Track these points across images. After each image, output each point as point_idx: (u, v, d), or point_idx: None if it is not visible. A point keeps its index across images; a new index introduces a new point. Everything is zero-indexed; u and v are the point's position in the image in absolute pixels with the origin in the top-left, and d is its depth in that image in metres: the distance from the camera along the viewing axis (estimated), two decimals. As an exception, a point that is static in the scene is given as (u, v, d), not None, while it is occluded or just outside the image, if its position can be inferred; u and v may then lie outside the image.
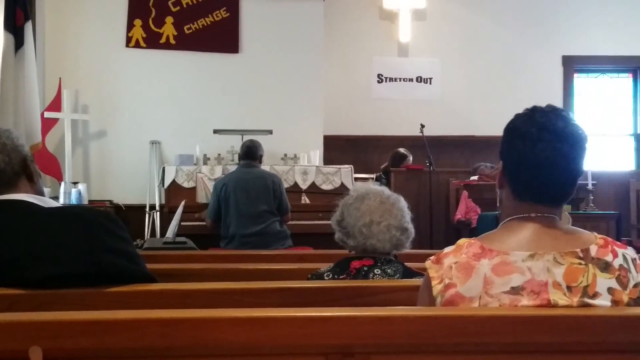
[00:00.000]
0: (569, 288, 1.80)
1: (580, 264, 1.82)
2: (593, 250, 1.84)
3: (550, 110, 1.94)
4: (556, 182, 1.90)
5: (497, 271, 1.83)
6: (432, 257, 1.96)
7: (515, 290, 1.81)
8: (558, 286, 1.80)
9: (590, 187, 7.19)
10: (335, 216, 2.90)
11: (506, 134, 1.97)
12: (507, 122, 1.98)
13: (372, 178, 8.47)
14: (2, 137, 2.39)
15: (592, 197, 7.31)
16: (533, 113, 1.94)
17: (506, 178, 1.99)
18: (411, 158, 8.64)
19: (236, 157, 7.52)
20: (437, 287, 1.89)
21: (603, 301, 1.80)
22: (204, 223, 6.48)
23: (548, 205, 1.92)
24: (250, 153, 6.30)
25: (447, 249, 1.95)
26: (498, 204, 2.08)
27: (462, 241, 1.94)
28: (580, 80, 10.46)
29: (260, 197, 6.09)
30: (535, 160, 1.87)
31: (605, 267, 1.83)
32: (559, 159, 1.87)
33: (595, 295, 1.80)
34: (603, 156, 9.98)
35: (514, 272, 1.82)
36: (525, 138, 1.89)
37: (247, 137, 6.82)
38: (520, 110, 1.98)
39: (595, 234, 1.91)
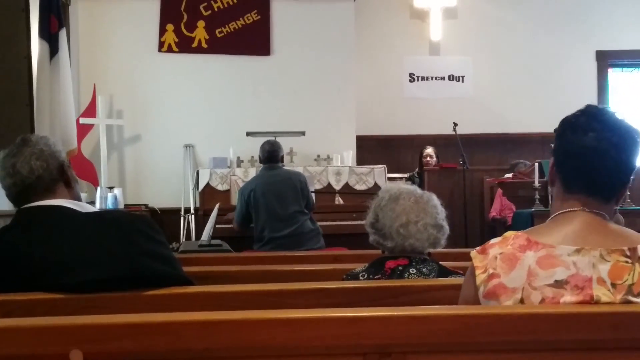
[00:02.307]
0: (613, 285, 1.78)
1: (626, 262, 1.80)
2: None
3: (602, 106, 1.95)
4: (606, 172, 1.87)
5: (541, 264, 1.81)
6: (477, 248, 1.96)
7: (559, 284, 1.79)
8: (602, 282, 1.78)
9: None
10: (369, 218, 2.89)
11: (558, 128, 1.97)
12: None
13: (405, 178, 8.46)
14: (39, 143, 2.42)
15: (629, 193, 7.20)
16: (585, 108, 1.95)
17: (556, 171, 1.98)
18: (429, 150, 8.80)
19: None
20: (480, 277, 1.89)
21: None
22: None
23: (598, 198, 1.90)
24: (273, 157, 6.27)
25: (493, 240, 1.95)
26: (551, 202, 2.07)
27: (509, 233, 1.93)
28: (614, 75, 10.33)
29: (290, 198, 6.09)
30: (586, 149, 1.87)
31: None
32: (608, 148, 1.85)
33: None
34: (640, 152, 9.82)
35: (558, 266, 1.80)
36: (576, 128, 1.90)
37: (279, 139, 6.82)
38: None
39: None
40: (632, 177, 1.92)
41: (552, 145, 2.00)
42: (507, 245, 1.89)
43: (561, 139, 1.95)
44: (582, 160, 1.88)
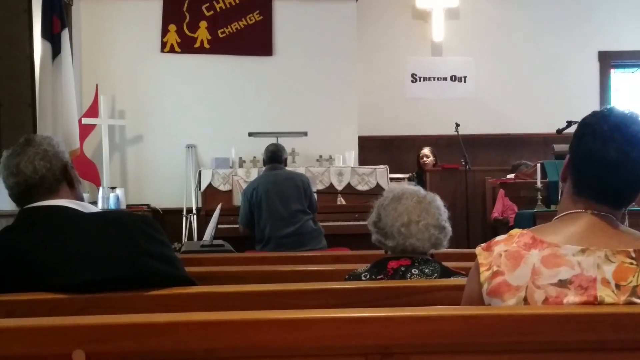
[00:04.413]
0: (617, 286, 1.77)
1: (631, 263, 1.79)
2: None
3: (628, 112, 1.91)
4: (618, 184, 1.85)
5: (546, 262, 1.81)
6: (483, 244, 1.95)
7: (563, 284, 1.79)
8: (607, 283, 1.78)
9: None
10: (372, 218, 2.89)
11: (578, 129, 1.93)
12: (583, 117, 1.95)
13: (407, 178, 8.48)
14: (43, 144, 2.43)
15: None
16: (610, 112, 1.91)
17: (570, 171, 1.95)
18: (425, 150, 8.87)
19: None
20: (484, 274, 1.88)
21: None
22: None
23: (607, 205, 1.88)
24: (276, 157, 6.29)
25: (498, 237, 1.94)
26: (560, 197, 2.05)
27: (515, 231, 1.93)
28: (617, 76, 10.33)
29: (292, 198, 6.08)
30: (602, 159, 1.83)
31: None
32: (626, 162, 1.82)
33: (644, 296, 1.77)
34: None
35: (563, 265, 1.80)
36: (596, 135, 1.85)
37: (282, 140, 6.83)
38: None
39: None
40: None
41: (570, 143, 1.96)
42: (512, 243, 1.88)
43: (579, 141, 1.91)
44: (597, 170, 1.85)
